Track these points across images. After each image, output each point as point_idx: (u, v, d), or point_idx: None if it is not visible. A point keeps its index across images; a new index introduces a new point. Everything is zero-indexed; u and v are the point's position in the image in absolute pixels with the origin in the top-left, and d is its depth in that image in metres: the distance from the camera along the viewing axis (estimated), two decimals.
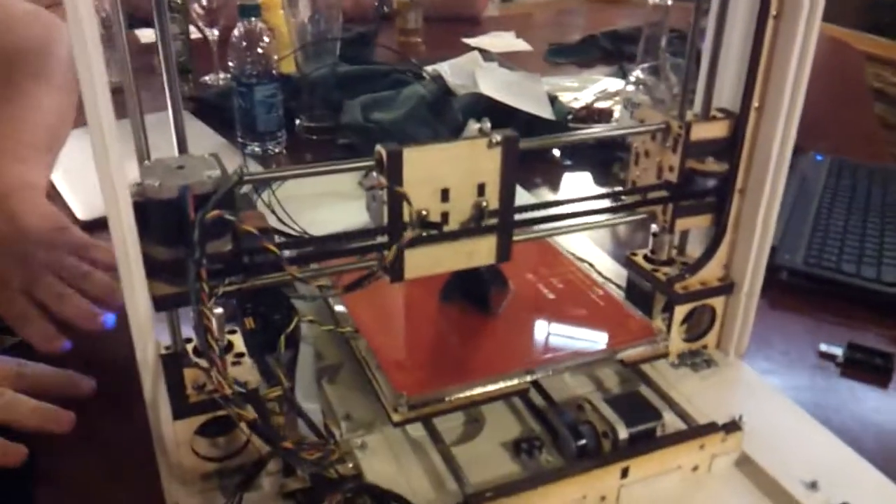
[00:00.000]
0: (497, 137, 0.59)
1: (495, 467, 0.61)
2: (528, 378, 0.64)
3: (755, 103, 0.66)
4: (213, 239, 0.52)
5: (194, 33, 1.66)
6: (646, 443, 0.59)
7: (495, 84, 1.24)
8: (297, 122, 1.29)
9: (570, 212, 0.68)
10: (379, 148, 0.57)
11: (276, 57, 1.17)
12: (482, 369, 0.64)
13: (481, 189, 0.61)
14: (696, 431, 0.62)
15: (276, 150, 1.21)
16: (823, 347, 0.79)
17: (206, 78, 1.57)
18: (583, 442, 0.60)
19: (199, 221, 0.49)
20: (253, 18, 1.14)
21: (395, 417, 0.60)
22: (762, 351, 0.79)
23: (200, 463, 0.59)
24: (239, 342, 0.63)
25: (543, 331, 0.71)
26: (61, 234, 0.78)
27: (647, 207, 0.72)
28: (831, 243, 0.93)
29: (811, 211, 1.02)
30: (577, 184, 1.17)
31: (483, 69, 1.34)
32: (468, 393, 0.62)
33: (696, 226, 0.73)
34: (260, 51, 1.15)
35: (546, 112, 1.22)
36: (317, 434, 0.58)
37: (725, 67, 0.68)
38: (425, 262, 0.61)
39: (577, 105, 1.33)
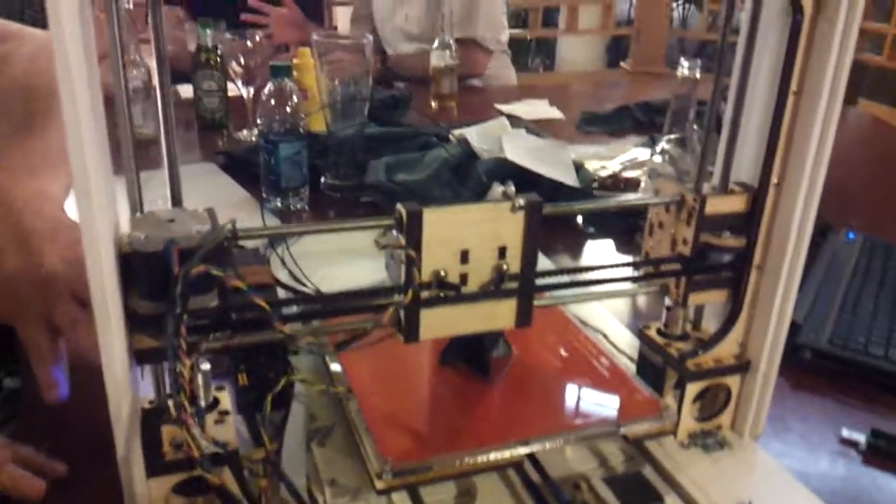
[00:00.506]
0: (521, 202, 0.58)
1: None
2: (523, 450, 0.61)
3: (774, 179, 0.64)
4: (199, 294, 0.51)
5: (233, 91, 1.70)
6: None
7: (521, 150, 1.24)
8: (323, 179, 1.30)
9: (582, 280, 0.66)
10: (399, 207, 0.56)
11: (303, 115, 1.18)
12: (475, 438, 0.62)
13: (502, 252, 0.59)
14: None
15: (298, 207, 1.21)
16: (845, 433, 0.74)
17: (240, 134, 1.59)
18: None
19: (182, 276, 0.48)
20: (284, 78, 1.16)
21: (379, 484, 0.57)
22: (780, 434, 0.74)
23: None
24: (226, 399, 0.61)
25: (543, 401, 0.68)
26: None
27: (659, 280, 0.69)
28: (859, 324, 0.89)
29: (840, 290, 0.98)
30: (599, 251, 1.15)
31: (509, 134, 1.34)
32: (457, 462, 0.59)
33: (711, 301, 0.70)
34: (288, 109, 1.16)
35: (570, 179, 1.21)
36: (298, 501, 0.56)
37: (745, 141, 0.66)
38: (442, 323, 0.60)
39: (604, 173, 1.31)
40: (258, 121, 1.18)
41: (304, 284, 0.91)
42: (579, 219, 1.21)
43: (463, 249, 0.58)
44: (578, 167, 1.26)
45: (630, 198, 1.19)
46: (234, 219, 0.52)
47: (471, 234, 0.57)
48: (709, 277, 0.67)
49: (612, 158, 1.42)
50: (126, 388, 0.50)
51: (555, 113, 1.87)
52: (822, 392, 0.82)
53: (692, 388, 0.69)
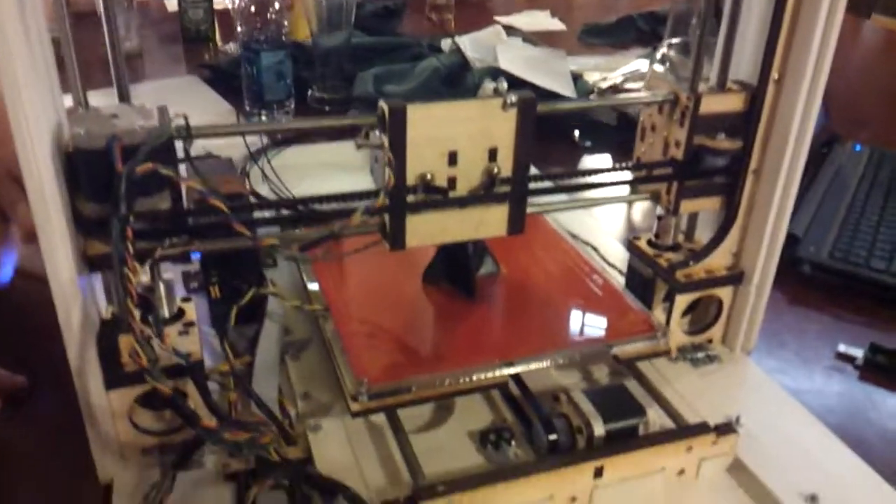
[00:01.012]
0: (512, 98, 0.54)
1: (457, 459, 0.55)
2: (507, 371, 0.59)
3: (775, 74, 0.59)
4: (147, 195, 0.47)
5: (219, 3, 1.63)
6: (625, 441, 0.53)
7: (516, 59, 1.18)
8: (310, 92, 1.25)
9: (571, 184, 0.62)
10: (382, 104, 0.52)
11: (286, 23, 1.13)
12: (457, 359, 0.59)
13: (493, 154, 0.55)
14: (683, 432, 0.56)
15: (283, 121, 1.17)
16: (842, 348, 0.72)
17: (227, 47, 1.53)
18: (554, 437, 0.54)
19: (125, 174, 0.45)
20: None
21: (354, 407, 0.55)
22: (773, 350, 0.72)
23: (140, 437, 0.55)
24: (191, 311, 0.58)
25: (531, 320, 0.65)
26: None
27: (649, 186, 0.66)
28: (862, 237, 0.86)
29: (843, 203, 0.94)
30: (596, 165, 1.10)
31: (504, 44, 1.28)
32: (438, 384, 0.57)
33: (704, 209, 0.66)
34: (270, 16, 1.10)
35: (567, 90, 1.16)
36: (267, 414, 0.54)
37: (745, 36, 0.61)
38: (429, 229, 0.56)
39: (603, 85, 1.26)
40: (238, 29, 1.13)
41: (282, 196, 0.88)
42: (576, 133, 1.16)
43: (451, 151, 0.54)
44: (577, 78, 1.21)
45: (621, 97, 1.14)
46: (186, 114, 0.48)
47: (459, 134, 0.54)
48: (702, 183, 0.63)
49: (613, 70, 1.36)
50: (74, 294, 0.48)
51: (556, 24, 1.80)
52: (820, 307, 0.79)
53: (682, 300, 0.66)
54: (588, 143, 1.14)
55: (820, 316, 0.78)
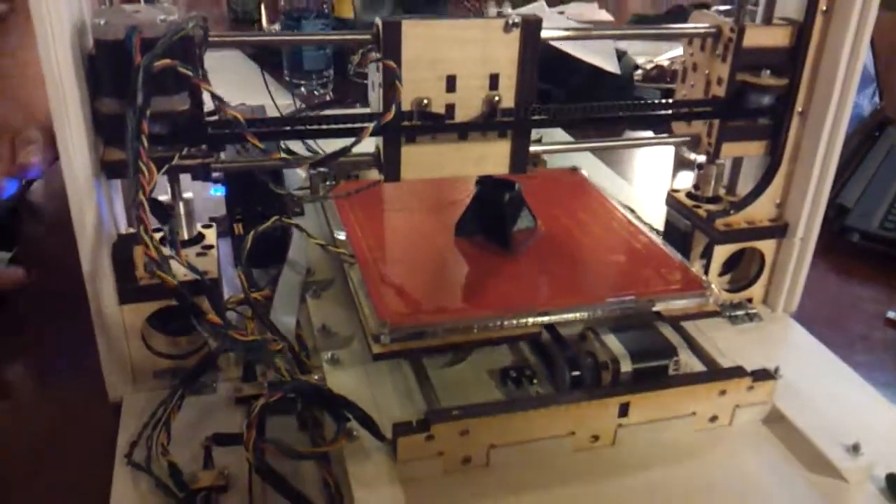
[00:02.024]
0: (516, 18, 0.52)
1: (475, 394, 0.53)
2: (541, 320, 0.55)
3: (822, 6, 0.56)
4: (164, 94, 0.46)
5: None
6: (653, 380, 0.50)
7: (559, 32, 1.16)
8: (349, 66, 1.24)
9: (600, 115, 0.59)
10: (377, 20, 0.51)
11: None
12: (487, 306, 0.56)
13: (494, 81, 0.53)
14: (717, 374, 0.53)
15: (322, 91, 1.16)
16: (892, 314, 0.68)
17: (273, 27, 1.54)
18: (577, 373, 0.51)
19: (143, 66, 0.44)
20: None
21: (376, 348, 0.52)
22: (819, 314, 0.68)
23: (152, 358, 0.54)
24: (212, 236, 0.57)
25: (568, 273, 0.62)
26: None
27: (687, 129, 0.63)
28: None
29: (894, 184, 0.89)
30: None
31: (547, 18, 1.25)
32: (465, 330, 0.54)
33: (747, 154, 0.63)
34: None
35: (611, 66, 1.13)
36: (282, 339, 0.52)
37: None
38: (426, 161, 0.54)
39: (648, 66, 1.23)
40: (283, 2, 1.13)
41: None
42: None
43: (449, 75, 0.52)
44: (621, 55, 1.18)
45: (660, 29, 1.10)
46: (205, 16, 0.47)
47: (458, 57, 0.52)
48: (745, 125, 0.61)
49: (659, 55, 1.33)
50: (90, 195, 0.47)
51: (604, 15, 1.77)
52: (870, 277, 0.75)
53: (721, 252, 0.63)
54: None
55: (870, 285, 0.74)
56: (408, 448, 0.46)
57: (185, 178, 0.53)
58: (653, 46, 1.40)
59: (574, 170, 0.79)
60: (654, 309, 0.57)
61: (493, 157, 0.56)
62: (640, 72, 1.20)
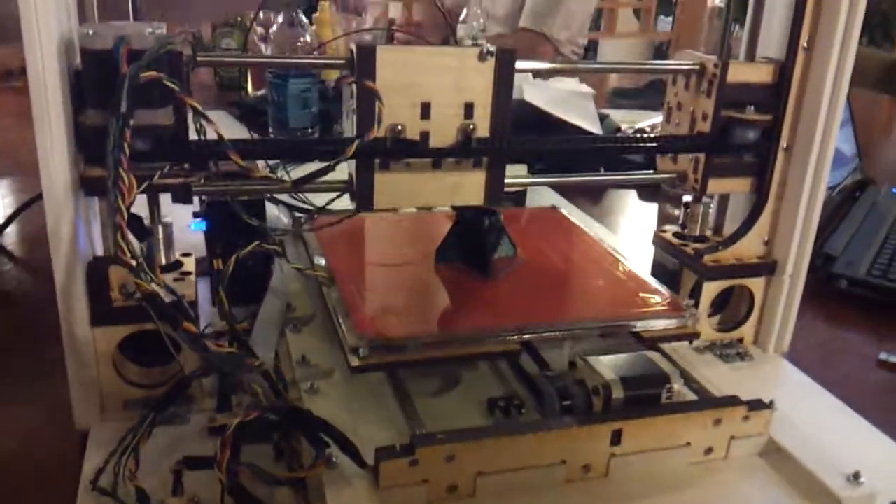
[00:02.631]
0: (490, 48, 0.52)
1: (462, 423, 0.50)
2: (519, 337, 0.54)
3: (803, 42, 0.57)
4: (148, 107, 0.46)
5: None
6: (645, 407, 0.49)
7: (542, 96, 1.18)
8: (335, 127, 1.25)
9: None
10: (351, 45, 0.51)
11: (315, 53, 1.14)
12: (466, 323, 0.55)
13: (469, 110, 0.53)
14: (711, 402, 0.51)
15: None
16: (883, 356, 0.67)
17: (258, 94, 1.56)
18: (568, 402, 0.49)
19: (129, 75, 0.43)
20: (296, 12, 1.12)
21: (353, 361, 0.50)
22: (810, 357, 0.66)
23: (123, 387, 0.51)
24: (190, 264, 0.56)
25: (547, 296, 0.62)
26: None
27: (673, 167, 0.63)
28: None
29: (881, 234, 0.90)
30: (621, 202, 1.08)
31: (531, 83, 1.28)
32: (443, 345, 0.52)
33: (734, 190, 0.63)
34: (299, 43, 1.12)
35: (594, 127, 1.15)
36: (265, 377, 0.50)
37: (772, 13, 0.60)
38: (400, 190, 0.54)
39: (630, 131, 1.25)
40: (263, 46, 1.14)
41: None
42: (602, 169, 1.15)
43: (423, 101, 0.52)
44: (603, 118, 1.20)
45: (644, 66, 1.11)
46: (195, 32, 0.47)
47: (432, 84, 0.52)
48: (731, 161, 0.61)
49: (641, 121, 1.35)
50: (67, 211, 0.45)
51: (585, 88, 1.81)
52: (858, 323, 0.74)
53: (710, 289, 0.62)
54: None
55: (858, 330, 0.73)
56: (391, 474, 0.43)
57: (165, 204, 0.52)
58: (634, 115, 1.43)
59: (554, 208, 0.79)
60: (634, 329, 0.56)
61: (468, 186, 0.56)
62: (621, 134, 1.21)
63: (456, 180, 0.55)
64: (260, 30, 1.53)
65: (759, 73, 0.59)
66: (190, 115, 0.48)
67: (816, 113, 0.58)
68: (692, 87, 0.61)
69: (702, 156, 0.60)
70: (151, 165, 0.48)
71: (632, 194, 1.09)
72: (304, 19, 1.14)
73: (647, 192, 1.08)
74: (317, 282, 0.62)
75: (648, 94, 1.69)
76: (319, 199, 0.81)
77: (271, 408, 0.43)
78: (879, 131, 1.68)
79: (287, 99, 1.12)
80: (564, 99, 1.21)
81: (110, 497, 0.43)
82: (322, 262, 0.64)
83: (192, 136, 0.49)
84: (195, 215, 0.71)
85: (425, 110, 0.52)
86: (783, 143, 0.60)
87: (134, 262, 0.40)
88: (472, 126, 0.53)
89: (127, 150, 0.43)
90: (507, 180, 0.57)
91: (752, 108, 0.59)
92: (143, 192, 0.47)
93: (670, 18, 4.05)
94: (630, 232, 0.96)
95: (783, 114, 0.59)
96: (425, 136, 0.53)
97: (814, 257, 0.63)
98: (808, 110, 0.59)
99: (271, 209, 0.73)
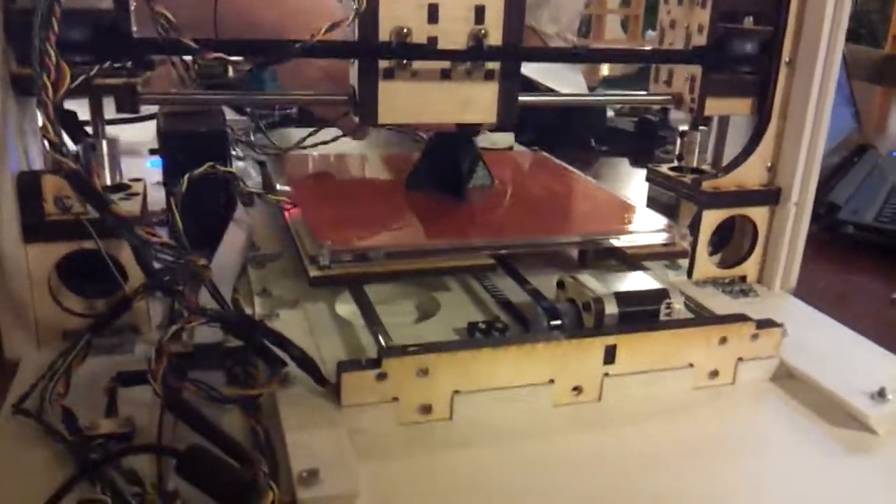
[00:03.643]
0: None
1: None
2: (496, 246, 0.50)
3: None
4: None
5: None
6: (642, 322, 0.44)
7: (530, 66, 1.14)
8: None
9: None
10: None
11: None
12: (436, 235, 0.50)
13: (480, 14, 0.49)
14: (716, 319, 0.46)
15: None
16: None
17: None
18: (558, 322, 0.44)
19: None
20: None
21: (312, 272, 0.46)
22: (819, 298, 0.61)
23: (62, 316, 0.46)
24: (139, 188, 0.50)
25: (527, 215, 0.57)
26: None
27: (668, 89, 0.58)
28: None
29: (885, 188, 0.85)
30: (614, 169, 1.03)
31: None
32: (412, 256, 0.47)
33: (733, 111, 0.58)
34: None
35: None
36: (218, 301, 0.44)
37: None
38: (405, 103, 0.50)
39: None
40: None
41: None
42: (592, 140, 1.10)
43: (431, 3, 0.48)
44: (592, 89, 1.16)
45: None
46: None
47: None
48: (730, 78, 0.56)
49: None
50: None
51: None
52: (869, 269, 0.70)
53: (710, 218, 0.57)
54: (604, 148, 1.08)
55: (868, 274, 0.68)
56: (355, 388, 0.38)
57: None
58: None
59: (536, 150, 0.75)
60: (617, 245, 0.52)
61: (479, 101, 0.51)
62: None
63: (466, 93, 0.51)
64: None
65: None
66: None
67: (820, 23, 0.53)
68: (686, 0, 0.56)
69: (698, 74, 0.56)
70: (88, 61, 0.43)
71: (624, 162, 1.04)
72: None
73: (641, 159, 1.04)
74: (282, 219, 0.57)
75: (638, 81, 1.67)
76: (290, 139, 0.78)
77: (217, 315, 0.38)
78: (877, 115, 1.65)
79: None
80: (553, 70, 1.17)
81: (34, 420, 0.38)
82: (285, 189, 0.59)
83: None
84: (151, 152, 0.66)
85: (433, 13, 0.48)
86: (785, 57, 0.55)
87: (55, 137, 0.35)
88: (483, 31, 0.49)
89: (56, 27, 0.38)
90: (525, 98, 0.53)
91: (751, 18, 0.55)
92: (78, 89, 0.42)
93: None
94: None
95: (784, 25, 0.54)
96: (433, 41, 0.49)
97: (817, 206, 0.59)
98: (811, 21, 0.54)
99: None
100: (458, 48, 0.49)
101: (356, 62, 0.49)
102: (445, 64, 0.50)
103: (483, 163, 0.60)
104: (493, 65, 0.51)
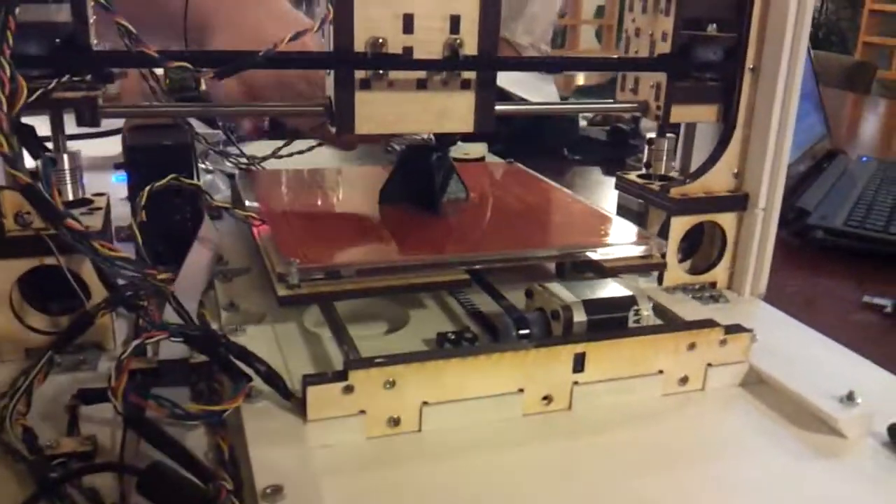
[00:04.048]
0: None
1: None
2: (468, 262, 0.49)
3: None
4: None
5: None
6: (611, 329, 0.44)
7: (502, 77, 1.14)
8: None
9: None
10: None
11: None
12: (409, 252, 0.50)
13: (455, 24, 0.49)
14: (684, 325, 0.46)
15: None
16: (868, 299, 0.62)
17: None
18: (527, 331, 0.44)
19: None
20: None
21: (281, 290, 0.45)
22: (789, 302, 0.61)
23: (24, 333, 0.45)
24: (102, 202, 0.50)
25: (501, 228, 0.57)
26: None
27: (633, 97, 0.59)
28: (877, 212, 0.78)
29: (853, 193, 0.86)
30: (586, 179, 1.04)
31: None
32: (383, 273, 0.47)
33: (699, 118, 0.59)
34: None
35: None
36: (182, 316, 0.44)
37: None
38: (382, 112, 0.49)
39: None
40: None
41: None
42: (565, 150, 1.11)
43: (406, 13, 0.48)
44: (564, 98, 1.16)
45: None
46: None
47: None
48: (695, 86, 0.57)
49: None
50: None
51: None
52: (838, 273, 0.70)
53: (679, 224, 0.57)
54: (577, 158, 1.08)
55: (838, 278, 0.69)
56: (321, 402, 0.38)
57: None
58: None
59: (511, 162, 0.75)
60: (593, 258, 0.52)
61: (455, 111, 0.51)
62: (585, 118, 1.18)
63: (443, 103, 0.50)
64: None
65: None
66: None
67: (783, 30, 0.54)
68: (650, 8, 0.57)
69: (663, 81, 0.56)
70: (46, 75, 0.42)
71: (596, 171, 1.05)
72: None
73: (612, 167, 1.04)
74: (251, 234, 0.57)
75: (612, 90, 1.67)
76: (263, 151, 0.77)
77: (179, 329, 0.38)
78: (847, 121, 1.67)
79: None
80: (524, 81, 1.18)
81: None
82: (254, 205, 0.59)
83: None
84: (117, 167, 0.65)
85: (408, 23, 0.48)
86: (749, 63, 0.56)
87: (7, 149, 0.34)
88: (458, 41, 0.49)
89: (10, 41, 0.38)
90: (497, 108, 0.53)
91: (714, 26, 0.55)
92: (36, 103, 0.42)
93: None
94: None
95: (747, 32, 0.55)
96: (408, 51, 0.48)
97: (786, 211, 0.59)
98: (774, 27, 0.55)
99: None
100: (434, 58, 0.49)
101: (332, 72, 0.49)
102: (421, 74, 0.50)
103: (457, 175, 0.60)
104: (470, 74, 0.51)
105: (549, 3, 1.88)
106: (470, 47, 0.50)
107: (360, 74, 0.49)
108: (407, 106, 0.50)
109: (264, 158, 0.77)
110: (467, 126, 0.52)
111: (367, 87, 0.49)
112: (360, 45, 0.48)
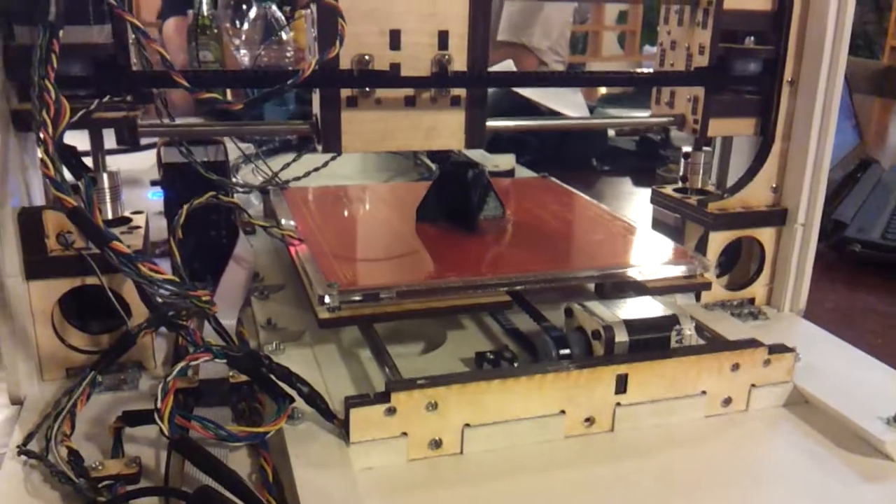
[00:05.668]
0: None
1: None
2: (508, 284, 0.48)
3: None
4: (81, 21, 0.41)
5: None
6: (653, 350, 0.43)
7: (529, 89, 1.14)
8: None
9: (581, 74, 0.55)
10: None
11: (290, 51, 1.10)
12: (449, 274, 0.50)
13: (443, 39, 0.49)
14: (728, 345, 0.45)
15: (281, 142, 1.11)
16: None
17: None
18: (567, 351, 0.44)
19: None
20: (269, 4, 1.08)
21: (322, 313, 0.45)
22: (830, 318, 0.61)
23: (65, 352, 0.46)
24: (140, 220, 0.50)
25: (541, 248, 0.56)
26: None
27: (668, 112, 0.58)
28: None
29: (890, 204, 0.85)
30: (615, 189, 1.03)
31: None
32: (422, 295, 0.46)
33: (736, 132, 0.58)
34: (275, 37, 1.08)
35: (582, 115, 1.11)
36: (221, 334, 0.44)
37: None
38: (370, 130, 0.49)
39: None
40: (243, 52, 1.10)
41: None
42: (594, 160, 1.10)
43: (392, 29, 0.47)
44: (592, 108, 1.16)
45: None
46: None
47: (402, 10, 0.47)
48: (732, 99, 0.56)
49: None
50: None
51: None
52: (878, 287, 0.69)
53: (717, 240, 0.56)
54: (606, 168, 1.07)
55: (877, 293, 0.68)
56: (364, 424, 0.38)
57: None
58: (626, 112, 1.40)
59: (544, 176, 0.75)
60: (638, 279, 0.51)
61: (446, 128, 0.50)
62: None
63: (432, 120, 0.50)
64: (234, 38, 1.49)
65: (758, 1, 0.54)
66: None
67: (822, 42, 0.53)
68: (686, 21, 0.56)
69: (701, 95, 0.56)
70: (88, 95, 0.43)
71: (626, 181, 1.04)
72: (279, 14, 1.10)
73: (642, 178, 1.04)
74: (287, 251, 0.57)
75: (637, 98, 1.67)
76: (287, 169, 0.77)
77: (223, 352, 0.38)
78: (876, 127, 1.65)
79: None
80: (552, 91, 1.17)
81: (39, 461, 0.37)
82: (290, 223, 0.59)
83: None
84: (153, 183, 0.65)
85: (395, 39, 0.47)
86: (787, 76, 0.55)
87: (54, 173, 0.35)
88: (446, 57, 0.48)
89: (55, 62, 0.38)
90: (489, 124, 0.52)
91: (752, 38, 0.55)
92: (78, 123, 0.42)
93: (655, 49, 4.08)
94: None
95: (785, 44, 0.54)
96: (396, 68, 0.48)
97: (824, 223, 0.58)
98: (813, 40, 0.54)
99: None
100: (422, 74, 0.48)
101: (317, 90, 0.48)
102: (410, 91, 0.49)
103: (494, 193, 0.60)
104: (459, 90, 0.50)
105: (562, 5, 1.87)
106: (459, 62, 0.49)
107: (346, 92, 0.48)
108: (395, 123, 0.49)
109: (296, 179, 0.76)
110: (458, 143, 0.51)
111: (353, 105, 0.48)
112: (345, 63, 0.47)
